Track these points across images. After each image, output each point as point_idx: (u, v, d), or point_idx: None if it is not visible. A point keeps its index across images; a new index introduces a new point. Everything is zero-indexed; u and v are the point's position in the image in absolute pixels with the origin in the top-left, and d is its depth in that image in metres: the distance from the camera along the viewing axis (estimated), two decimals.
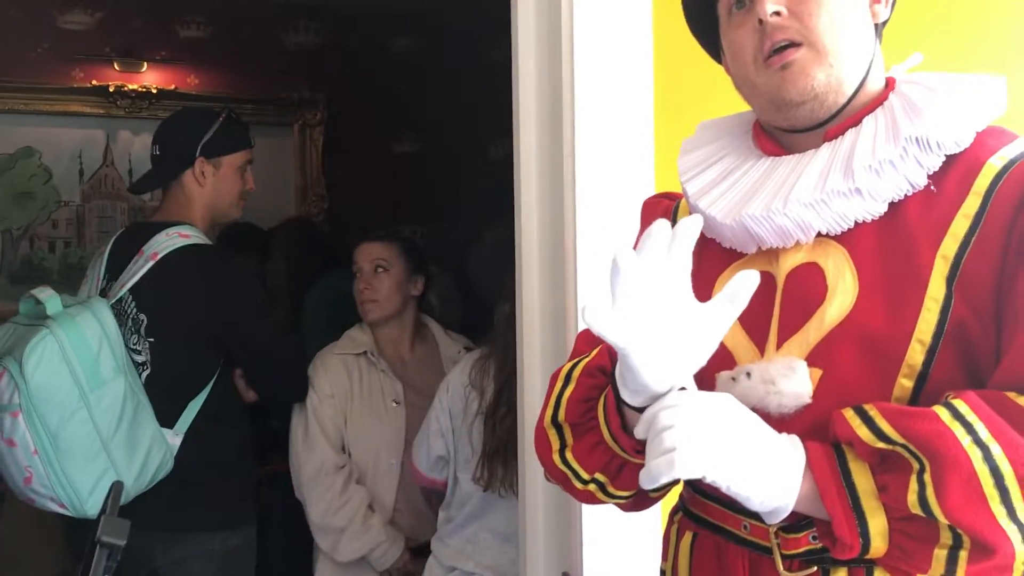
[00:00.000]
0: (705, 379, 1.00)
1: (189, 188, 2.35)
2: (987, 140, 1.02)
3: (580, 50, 1.69)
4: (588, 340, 1.21)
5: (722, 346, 0.98)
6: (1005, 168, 0.99)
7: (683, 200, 1.21)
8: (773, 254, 1.06)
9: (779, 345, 1.02)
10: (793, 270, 1.04)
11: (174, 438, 2.18)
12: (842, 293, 1.00)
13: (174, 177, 2.35)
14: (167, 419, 2.18)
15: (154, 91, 4.10)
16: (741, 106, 1.19)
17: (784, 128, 1.09)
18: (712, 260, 1.10)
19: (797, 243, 1.04)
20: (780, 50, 1.03)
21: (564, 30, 1.70)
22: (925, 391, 0.96)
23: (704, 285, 1.04)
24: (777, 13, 1.02)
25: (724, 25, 1.11)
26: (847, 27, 1.03)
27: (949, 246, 0.98)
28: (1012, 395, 0.88)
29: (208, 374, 2.26)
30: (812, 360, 0.99)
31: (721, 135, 1.19)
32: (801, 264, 1.04)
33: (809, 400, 0.98)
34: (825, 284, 1.01)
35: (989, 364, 0.95)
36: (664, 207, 1.24)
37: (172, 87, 4.15)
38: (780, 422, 0.97)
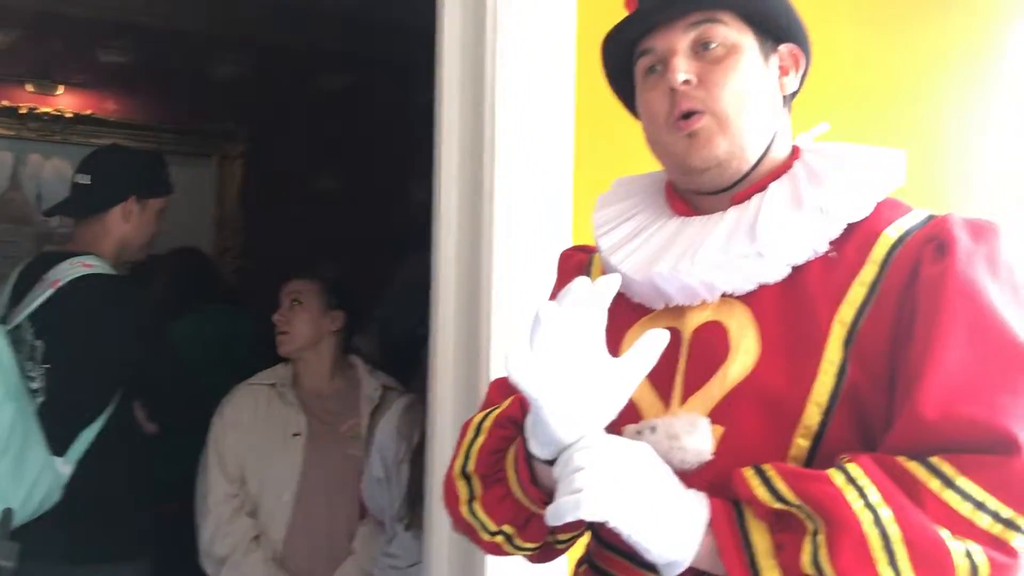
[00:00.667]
0: (613, 432, 1.01)
1: (111, 223, 2.34)
2: (885, 211, 1.07)
3: (502, 98, 1.72)
4: (500, 390, 1.22)
5: (630, 400, 1.00)
6: (900, 239, 1.03)
7: (597, 254, 1.23)
8: (680, 311, 1.09)
9: (683, 401, 1.05)
10: (698, 328, 1.07)
11: (64, 467, 2.12)
12: (744, 352, 1.03)
13: (102, 210, 2.34)
14: (59, 447, 2.13)
15: (69, 115, 4.00)
16: (657, 163, 1.22)
17: (692, 190, 1.14)
18: (622, 314, 1.12)
19: (703, 302, 1.07)
20: (687, 116, 1.07)
21: (487, 78, 1.73)
22: (820, 451, 0.98)
23: (614, 338, 1.06)
24: (687, 82, 1.07)
25: (639, 87, 1.15)
26: (751, 99, 1.08)
27: (846, 312, 1.01)
28: (902, 460, 0.91)
29: (103, 404, 2.21)
30: (714, 417, 1.01)
31: (635, 192, 1.22)
32: (706, 322, 1.07)
33: (710, 456, 1.00)
34: (728, 343, 1.04)
35: (881, 426, 0.98)
36: (578, 260, 1.27)
37: (89, 112, 4.05)
38: (682, 477, 0.99)
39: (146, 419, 2.38)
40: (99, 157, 2.46)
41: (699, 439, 1.00)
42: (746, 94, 1.08)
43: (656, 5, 1.10)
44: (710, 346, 1.05)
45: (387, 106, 4.28)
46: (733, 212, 1.09)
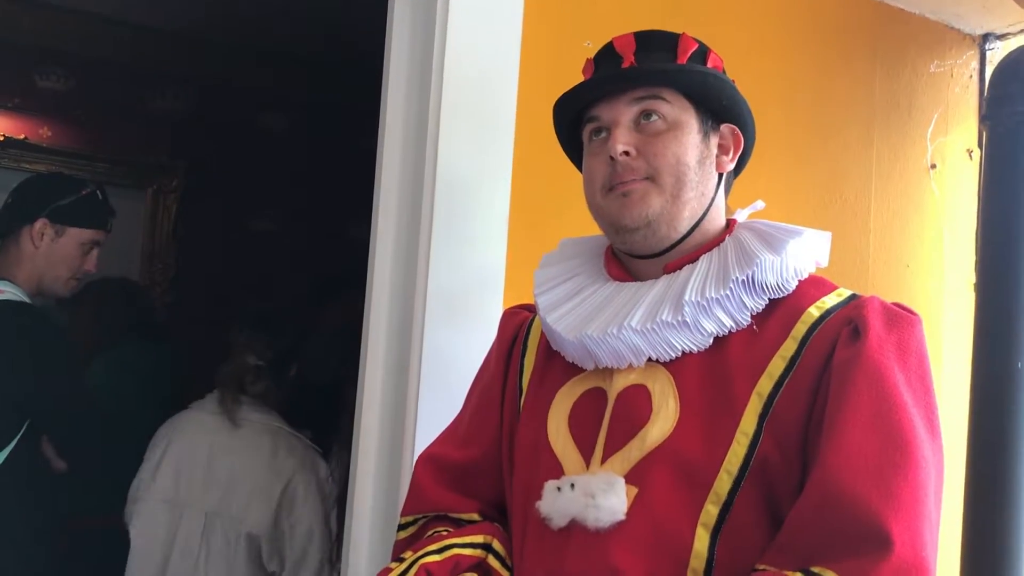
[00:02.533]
0: (534, 486, 1.09)
1: (23, 246, 2.26)
2: (809, 289, 1.12)
3: (444, 149, 1.75)
4: (431, 472, 1.25)
5: (553, 455, 1.10)
6: (821, 318, 1.08)
7: (537, 316, 1.29)
8: (608, 373, 1.14)
9: (603, 460, 1.08)
10: (623, 390, 1.11)
11: None
12: (664, 418, 1.07)
13: (11, 230, 2.27)
14: None
15: (0, 138, 3.92)
16: (592, 223, 1.27)
17: (627, 252, 1.19)
18: (556, 371, 1.20)
19: (630, 365, 1.12)
20: (622, 184, 1.15)
21: (430, 127, 1.76)
22: (729, 519, 1.02)
23: (546, 394, 1.17)
24: (626, 153, 1.13)
25: (586, 149, 1.21)
26: (687, 169, 1.14)
27: (765, 384, 1.06)
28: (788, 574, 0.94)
29: (6, 439, 2.11)
30: (630, 478, 1.05)
31: (577, 254, 1.27)
32: (631, 385, 1.11)
33: (623, 517, 1.04)
34: (650, 406, 1.09)
35: (788, 501, 1.01)
36: (521, 319, 1.32)
37: (22, 136, 3.98)
38: (595, 535, 1.04)
39: (55, 456, 2.27)
40: (28, 180, 2.41)
41: (614, 499, 1.04)
42: (682, 164, 1.14)
43: (605, 77, 1.16)
44: (633, 409, 1.09)
45: (326, 146, 4.29)
46: (664, 281, 1.14)
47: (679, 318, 1.08)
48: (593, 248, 1.28)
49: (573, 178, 1.98)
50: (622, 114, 1.15)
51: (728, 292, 1.08)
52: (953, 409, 2.31)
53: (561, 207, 1.99)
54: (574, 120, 1.23)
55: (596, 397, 1.13)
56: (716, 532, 1.02)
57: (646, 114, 1.14)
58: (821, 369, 1.04)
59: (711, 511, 1.02)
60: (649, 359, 1.11)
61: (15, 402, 2.12)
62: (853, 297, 1.11)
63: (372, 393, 1.77)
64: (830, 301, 1.10)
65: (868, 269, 2.35)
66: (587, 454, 1.10)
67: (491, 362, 1.32)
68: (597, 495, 1.04)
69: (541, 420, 1.17)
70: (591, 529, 1.04)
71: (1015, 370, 2.23)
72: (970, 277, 2.52)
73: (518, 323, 1.32)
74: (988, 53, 2.65)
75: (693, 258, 1.15)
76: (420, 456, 1.29)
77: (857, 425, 0.98)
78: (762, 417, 1.04)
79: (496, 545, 1.15)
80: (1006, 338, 2.28)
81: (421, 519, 1.22)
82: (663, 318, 1.09)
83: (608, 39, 1.22)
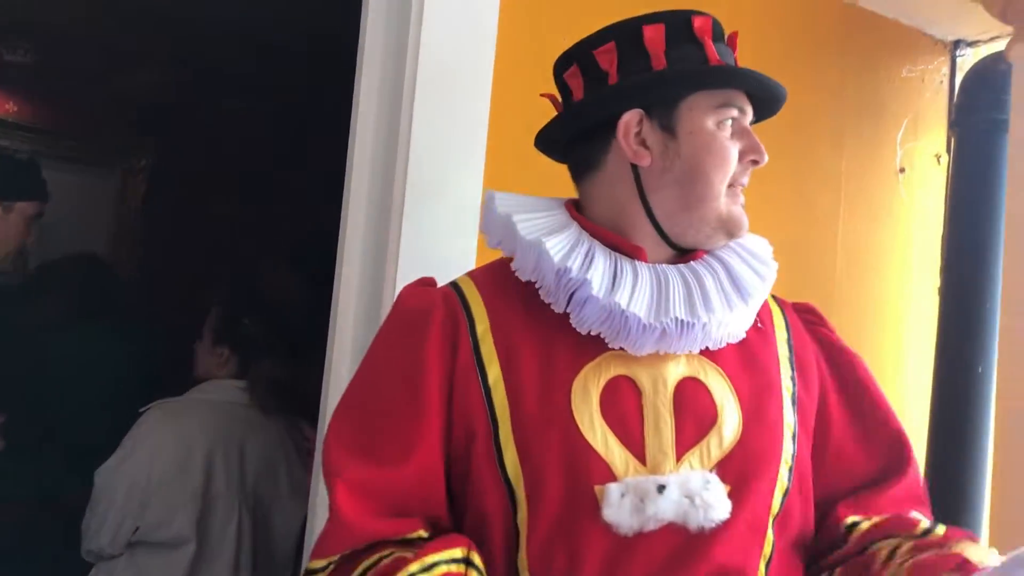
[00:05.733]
0: (582, 492, 1.01)
1: None
2: None
3: (416, 141, 1.74)
4: (351, 451, 1.07)
5: (596, 456, 1.02)
6: (783, 314, 1.21)
7: (464, 281, 1.16)
8: (647, 360, 1.07)
9: (679, 458, 1.04)
10: (680, 382, 1.08)
11: None
12: (731, 413, 1.08)
13: None
14: None
15: None
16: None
17: (678, 243, 1.14)
18: (564, 356, 1.08)
19: (675, 355, 1.09)
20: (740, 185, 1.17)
21: (403, 116, 1.75)
22: (783, 507, 1.08)
23: (558, 388, 1.05)
24: None
25: (711, 122, 1.12)
26: None
27: (786, 375, 1.14)
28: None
29: None
30: (716, 474, 1.05)
31: (565, 224, 1.14)
32: (685, 377, 1.09)
33: (727, 515, 1.02)
34: (712, 400, 1.08)
35: (811, 480, 1.13)
36: (442, 300, 1.14)
37: None
38: (696, 536, 1.01)
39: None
40: None
41: (719, 497, 1.02)
42: None
43: (770, 81, 1.16)
44: (697, 403, 1.08)
45: (294, 132, 4.25)
46: (706, 272, 1.12)
47: (746, 307, 1.11)
48: (560, 216, 1.16)
49: (547, 171, 1.98)
50: (749, 117, 1.18)
51: (759, 285, 1.14)
52: (915, 411, 2.34)
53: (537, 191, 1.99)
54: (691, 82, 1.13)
55: (625, 386, 1.06)
56: (774, 520, 1.08)
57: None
58: (814, 356, 1.18)
59: (777, 501, 1.07)
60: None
61: None
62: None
63: (338, 384, 1.76)
64: (768, 299, 1.23)
65: (836, 271, 2.37)
66: (638, 452, 1.03)
67: (409, 358, 1.09)
68: (702, 494, 1.01)
69: (565, 416, 1.04)
70: (693, 530, 1.00)
71: (976, 375, 2.26)
72: (936, 281, 2.55)
73: (443, 305, 1.12)
74: (959, 60, 2.67)
75: (703, 254, 1.17)
76: (337, 484, 1.03)
77: (876, 387, 1.22)
78: (792, 406, 1.12)
79: (475, 559, 1.01)
80: (968, 343, 2.31)
81: (337, 559, 1.01)
82: (736, 304, 1.09)
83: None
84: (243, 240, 4.20)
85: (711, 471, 1.04)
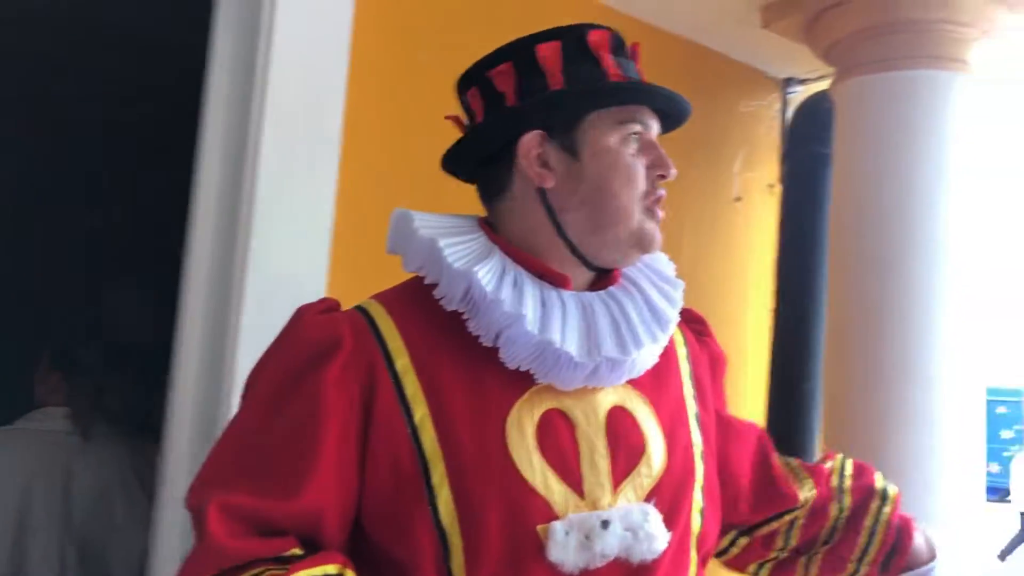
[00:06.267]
0: (525, 532, 0.98)
1: None
2: None
3: (264, 161, 1.73)
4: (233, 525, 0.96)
5: (536, 495, 0.98)
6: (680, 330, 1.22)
7: (375, 308, 1.07)
8: (578, 393, 1.05)
9: (615, 489, 1.03)
10: (609, 412, 1.07)
11: None
12: (656, 440, 1.08)
13: None
14: None
15: None
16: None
17: (594, 263, 1.10)
18: (494, 391, 1.03)
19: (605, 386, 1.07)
20: (657, 201, 1.11)
21: (251, 135, 1.73)
22: (702, 527, 1.11)
23: (492, 423, 1.00)
24: None
25: (613, 139, 1.09)
26: None
27: (688, 394, 1.16)
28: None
29: None
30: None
31: (487, 249, 1.09)
32: (614, 407, 1.07)
33: (665, 546, 1.02)
34: (639, 428, 1.07)
35: (718, 495, 1.16)
36: (351, 324, 1.05)
37: None
38: (637, 569, 1.00)
39: None
40: None
41: (659, 528, 1.01)
42: None
43: (661, 91, 1.12)
44: (627, 432, 1.06)
45: (140, 129, 4.09)
46: (625, 298, 1.11)
47: (664, 336, 1.10)
48: (482, 239, 1.10)
49: (403, 186, 1.99)
50: (655, 132, 1.14)
51: (677, 311, 1.14)
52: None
53: (388, 197, 1.99)
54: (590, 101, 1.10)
55: (559, 420, 1.03)
56: (695, 540, 1.09)
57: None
58: (707, 370, 1.21)
59: (696, 522, 1.09)
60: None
61: None
62: None
63: (184, 405, 1.72)
64: None
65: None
66: (577, 487, 1.01)
67: (307, 394, 1.01)
68: (644, 527, 1.00)
69: (501, 455, 0.99)
70: (635, 564, 1.00)
71: (802, 391, 2.43)
72: (769, 302, 2.71)
73: (351, 334, 1.03)
74: (789, 96, 2.86)
75: (619, 275, 1.14)
76: (209, 507, 0.95)
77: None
78: (697, 425, 1.14)
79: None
80: (796, 361, 2.48)
81: None
82: (657, 334, 1.09)
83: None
84: (88, 257, 4.02)
85: (645, 500, 1.03)
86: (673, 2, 2.36)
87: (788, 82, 2.88)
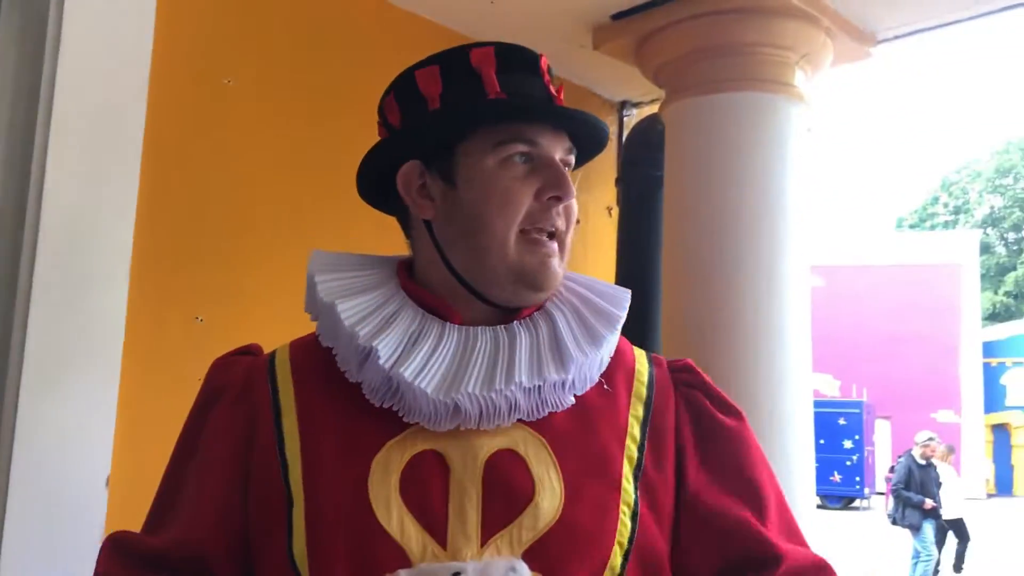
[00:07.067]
0: None
1: None
2: (623, 345, 1.07)
3: (52, 184, 1.59)
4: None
5: (389, 541, 0.91)
6: (650, 376, 1.05)
7: (281, 352, 1.07)
8: (449, 434, 0.97)
9: (484, 541, 0.94)
10: (493, 456, 0.97)
11: None
12: (550, 489, 0.96)
13: None
14: None
15: None
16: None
17: (490, 300, 1.01)
18: (367, 431, 0.98)
19: (498, 427, 0.97)
20: (551, 236, 1.00)
21: (35, 158, 1.59)
22: None
23: (355, 464, 0.96)
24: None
25: (491, 164, 1.00)
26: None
27: (631, 448, 1.00)
28: None
29: None
30: (528, 561, 0.92)
31: (378, 284, 1.05)
32: (500, 450, 0.97)
33: None
34: (530, 476, 0.96)
35: (663, 563, 0.99)
36: (246, 369, 1.07)
37: None
38: None
39: None
40: None
41: None
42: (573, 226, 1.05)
43: (548, 104, 1.03)
44: (510, 479, 0.96)
45: None
46: (523, 331, 1.01)
47: (563, 375, 0.97)
48: (388, 278, 1.06)
49: (210, 219, 1.88)
50: (556, 153, 1.01)
51: (592, 349, 0.99)
52: None
53: (194, 248, 1.87)
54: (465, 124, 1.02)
55: (431, 463, 0.96)
56: None
57: (565, 163, 1.02)
58: (675, 431, 1.03)
59: None
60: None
61: None
62: (649, 352, 1.10)
63: None
64: (641, 358, 1.08)
65: None
66: (439, 535, 0.94)
67: (209, 429, 1.05)
68: None
69: (359, 497, 0.95)
70: None
71: None
72: None
73: (244, 376, 1.05)
74: (625, 119, 2.88)
75: (539, 306, 1.03)
76: (103, 544, 1.02)
77: (765, 475, 1.05)
78: (635, 482, 0.98)
79: None
80: None
81: None
82: (550, 374, 0.96)
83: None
84: None
85: (522, 555, 0.93)
86: (504, 20, 2.32)
87: (624, 105, 2.89)
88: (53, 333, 1.58)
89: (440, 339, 0.99)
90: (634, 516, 0.97)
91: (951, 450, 10.71)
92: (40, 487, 1.54)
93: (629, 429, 1.01)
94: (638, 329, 2.49)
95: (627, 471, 0.98)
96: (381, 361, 0.96)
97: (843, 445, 18.49)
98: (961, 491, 10.46)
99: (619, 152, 2.85)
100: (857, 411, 19.10)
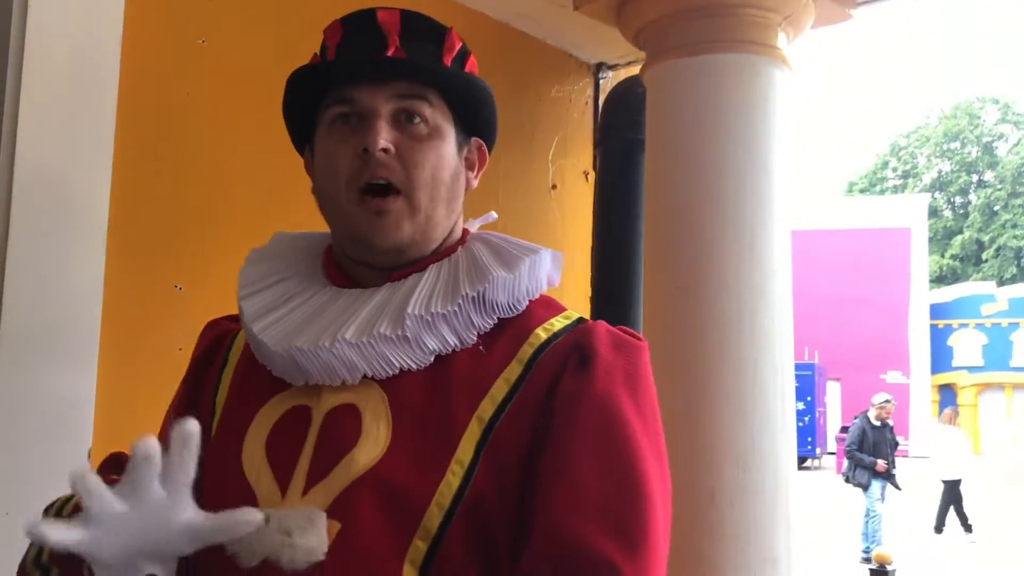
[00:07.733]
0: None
1: None
2: (538, 309, 1.04)
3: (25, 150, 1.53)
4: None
5: (245, 483, 0.96)
6: (548, 340, 1.01)
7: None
8: (316, 390, 1.00)
9: (305, 491, 0.96)
10: (332, 411, 0.99)
11: None
12: (372, 442, 0.95)
13: None
14: None
15: None
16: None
17: (355, 259, 1.05)
18: (260, 388, 1.04)
19: (343, 382, 0.99)
20: (379, 192, 0.99)
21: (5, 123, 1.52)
22: (437, 556, 0.93)
23: (247, 414, 1.02)
24: (386, 150, 0.99)
25: (324, 134, 1.04)
26: (443, 187, 1.03)
27: (486, 408, 0.97)
28: None
29: None
30: (332, 512, 0.93)
31: (290, 252, 1.12)
32: (340, 405, 0.99)
33: (322, 557, 0.91)
34: (359, 429, 0.97)
35: (503, 538, 0.94)
36: (222, 331, 1.15)
37: None
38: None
39: None
40: None
41: (313, 537, 0.91)
42: (437, 180, 1.02)
43: (372, 62, 1.01)
44: (339, 431, 0.97)
45: None
46: (385, 290, 1.03)
47: (399, 332, 0.98)
48: (311, 247, 1.13)
49: (186, 182, 1.84)
50: (382, 105, 1.01)
51: (456, 308, 0.99)
52: None
53: (172, 214, 1.82)
54: (308, 97, 1.06)
55: (301, 417, 1.00)
56: (424, 570, 0.93)
57: (408, 115, 1.02)
58: (544, 396, 0.98)
59: (419, 547, 0.93)
60: (365, 376, 0.99)
61: None
62: (580, 321, 1.05)
63: None
64: (558, 323, 1.04)
65: None
66: (284, 483, 0.97)
67: (183, 378, 1.15)
68: (294, 532, 0.91)
69: (236, 443, 1.02)
70: (286, 570, 0.90)
71: None
72: (587, 289, 2.68)
73: (217, 335, 1.14)
74: (601, 82, 2.85)
75: (422, 267, 1.05)
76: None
77: (587, 464, 0.94)
78: (480, 445, 0.96)
79: None
80: None
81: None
82: (381, 331, 0.98)
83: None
84: None
85: (331, 504, 0.94)
86: None
87: (599, 67, 2.86)
88: (30, 302, 1.53)
89: (303, 300, 1.04)
90: (467, 476, 0.95)
91: (956, 412, 10.83)
92: (20, 460, 1.50)
93: (492, 391, 0.99)
94: (618, 292, 2.50)
95: (472, 432, 0.96)
96: (243, 319, 1.04)
97: (796, 407, 18.87)
98: (965, 453, 10.59)
99: (595, 116, 2.83)
100: (809, 373, 19.47)
